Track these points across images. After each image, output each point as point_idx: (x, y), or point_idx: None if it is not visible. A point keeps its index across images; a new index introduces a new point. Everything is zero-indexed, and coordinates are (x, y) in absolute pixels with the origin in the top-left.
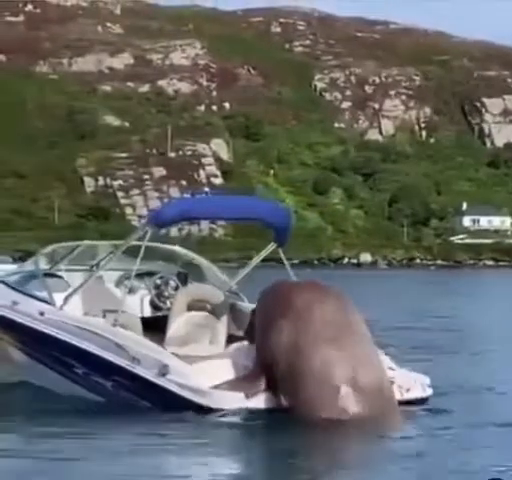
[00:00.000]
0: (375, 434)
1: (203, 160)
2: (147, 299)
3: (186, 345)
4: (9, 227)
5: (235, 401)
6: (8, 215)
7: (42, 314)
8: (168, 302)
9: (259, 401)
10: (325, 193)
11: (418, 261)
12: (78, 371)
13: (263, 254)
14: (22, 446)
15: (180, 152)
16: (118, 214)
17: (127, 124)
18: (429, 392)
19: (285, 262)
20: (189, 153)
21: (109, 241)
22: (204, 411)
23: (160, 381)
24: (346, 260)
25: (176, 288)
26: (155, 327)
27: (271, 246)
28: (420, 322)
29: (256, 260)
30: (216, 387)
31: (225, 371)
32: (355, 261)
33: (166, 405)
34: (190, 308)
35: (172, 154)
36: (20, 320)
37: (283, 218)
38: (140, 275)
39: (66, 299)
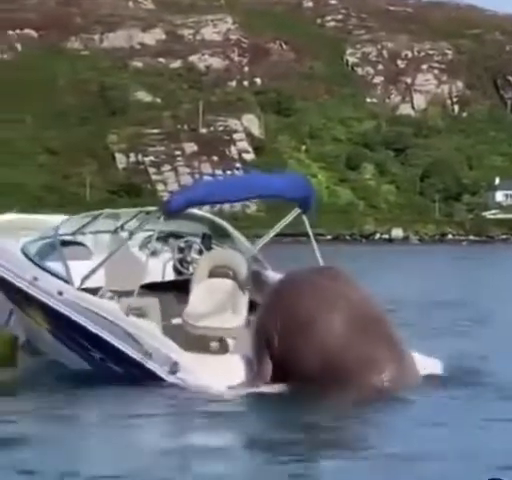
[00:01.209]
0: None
1: (234, 136)
2: (170, 263)
3: (207, 314)
4: (41, 204)
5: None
6: (40, 192)
7: (61, 294)
8: (191, 268)
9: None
10: (357, 168)
11: (450, 236)
12: (95, 355)
13: (287, 219)
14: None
15: (211, 128)
16: (149, 190)
17: (158, 100)
18: (439, 370)
19: (309, 232)
20: (220, 129)
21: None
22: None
23: (170, 379)
24: (378, 235)
25: (200, 252)
26: (179, 289)
27: (295, 212)
28: (449, 297)
29: (280, 226)
30: (227, 388)
31: (237, 368)
32: (387, 237)
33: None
34: (212, 274)
35: (203, 130)
36: (41, 298)
37: (303, 189)
38: (165, 237)
39: (84, 279)
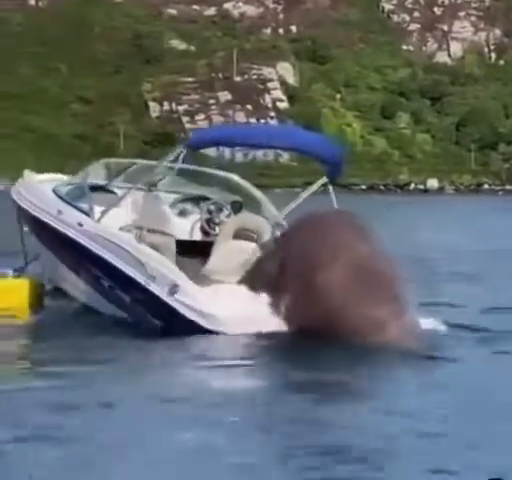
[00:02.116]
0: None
1: (269, 84)
2: (198, 224)
3: (227, 273)
4: (75, 153)
5: (241, 327)
6: (74, 141)
7: (80, 225)
8: (217, 229)
9: (266, 324)
10: (392, 117)
11: (486, 186)
12: (104, 283)
13: (313, 188)
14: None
15: (246, 76)
16: (183, 139)
17: (193, 48)
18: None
19: (333, 200)
20: (255, 77)
21: (165, 162)
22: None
23: (168, 300)
24: (413, 186)
25: (228, 216)
26: (204, 250)
27: (322, 180)
28: (487, 247)
29: (306, 193)
30: (224, 311)
31: (239, 297)
32: (422, 187)
33: (174, 325)
34: (237, 236)
35: (238, 78)
36: (62, 230)
37: (334, 154)
38: (196, 199)
39: (103, 213)
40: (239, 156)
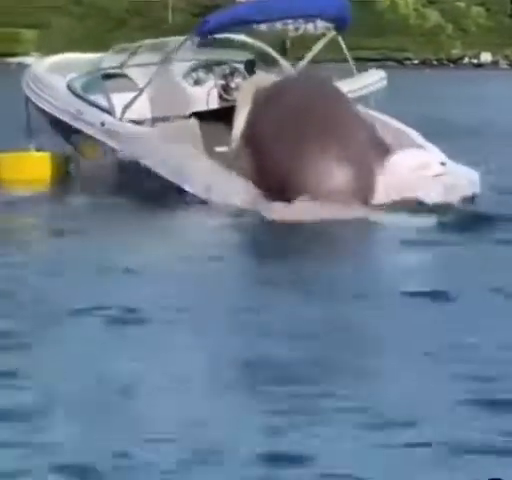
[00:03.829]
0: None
1: None
2: (214, 91)
3: None
4: (123, 26)
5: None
6: (122, 14)
7: (103, 124)
8: (234, 94)
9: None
10: None
11: None
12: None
13: (324, 41)
14: None
15: None
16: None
17: None
18: (476, 189)
19: (346, 51)
20: None
21: (175, 37)
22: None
23: (205, 198)
24: (466, 60)
25: (244, 78)
26: (226, 116)
27: (331, 33)
28: None
29: (317, 47)
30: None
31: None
32: (475, 61)
33: None
34: None
35: None
36: (86, 130)
37: (338, 8)
38: (209, 66)
39: (124, 109)
40: (290, 28)
